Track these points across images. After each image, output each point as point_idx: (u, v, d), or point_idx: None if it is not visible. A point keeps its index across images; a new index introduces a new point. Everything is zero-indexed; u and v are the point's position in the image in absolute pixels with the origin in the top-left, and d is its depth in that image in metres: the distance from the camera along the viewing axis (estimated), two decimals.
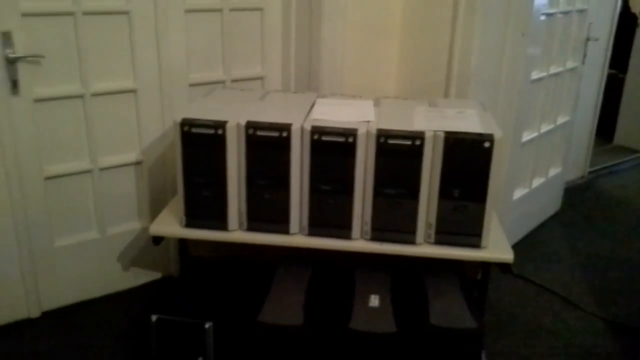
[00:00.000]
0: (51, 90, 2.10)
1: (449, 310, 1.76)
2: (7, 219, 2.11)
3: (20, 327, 2.20)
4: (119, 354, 2.09)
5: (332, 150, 1.76)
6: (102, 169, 2.28)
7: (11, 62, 1.98)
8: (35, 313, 2.26)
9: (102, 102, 2.21)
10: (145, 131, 2.32)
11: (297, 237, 1.87)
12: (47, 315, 2.28)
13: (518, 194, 2.88)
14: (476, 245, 1.82)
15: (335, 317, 1.74)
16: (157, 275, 2.53)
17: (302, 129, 1.76)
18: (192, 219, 1.88)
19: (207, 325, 1.69)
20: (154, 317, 1.71)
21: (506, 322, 2.34)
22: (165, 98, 2.32)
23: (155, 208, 2.39)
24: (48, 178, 2.17)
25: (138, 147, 2.34)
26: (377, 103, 2.03)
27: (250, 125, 1.77)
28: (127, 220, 2.41)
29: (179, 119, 1.79)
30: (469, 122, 1.82)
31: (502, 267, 2.70)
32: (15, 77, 2.00)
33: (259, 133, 1.77)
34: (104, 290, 2.41)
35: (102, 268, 2.38)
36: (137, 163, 2.36)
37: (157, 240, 1.92)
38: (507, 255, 1.82)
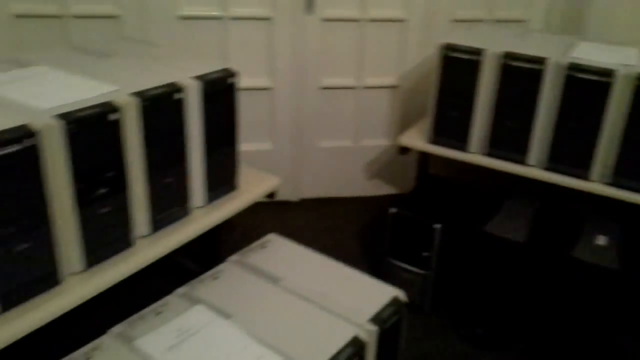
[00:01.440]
0: (335, 12, 2.45)
1: None
2: (287, 119, 2.58)
3: (283, 207, 2.69)
4: (360, 237, 2.48)
5: (586, 89, 1.78)
6: (364, 87, 2.61)
7: None
8: (295, 198, 2.75)
9: (375, 27, 2.51)
10: (405, 58, 2.58)
11: (534, 170, 1.94)
12: (304, 201, 2.76)
13: None
14: None
15: (560, 243, 1.82)
16: (394, 190, 2.84)
17: (558, 63, 1.82)
18: (437, 136, 2.08)
19: (436, 226, 1.91)
20: (392, 210, 1.99)
21: None
22: (428, 30, 2.53)
23: (403, 129, 2.65)
24: (321, 88, 2.57)
25: (397, 72, 2.61)
26: None
27: (507, 55, 1.88)
28: (378, 136, 2.73)
29: (442, 43, 1.99)
30: None
31: None
32: None
33: (514, 64, 1.87)
34: (350, 193, 2.80)
35: (351, 173, 2.76)
36: (394, 87, 2.63)
37: (404, 150, 2.18)
38: None
